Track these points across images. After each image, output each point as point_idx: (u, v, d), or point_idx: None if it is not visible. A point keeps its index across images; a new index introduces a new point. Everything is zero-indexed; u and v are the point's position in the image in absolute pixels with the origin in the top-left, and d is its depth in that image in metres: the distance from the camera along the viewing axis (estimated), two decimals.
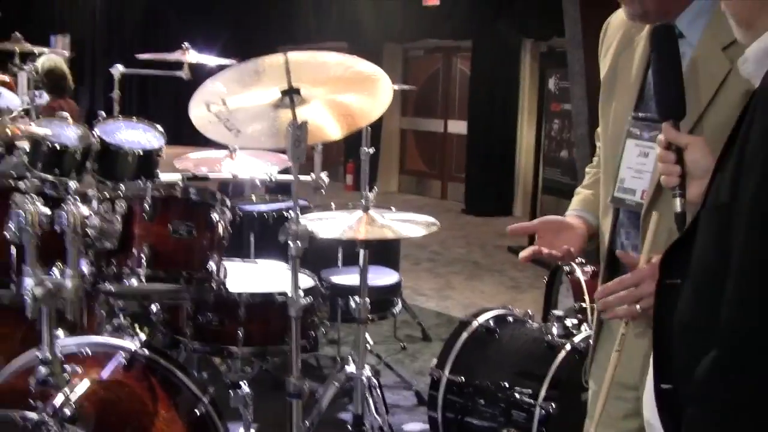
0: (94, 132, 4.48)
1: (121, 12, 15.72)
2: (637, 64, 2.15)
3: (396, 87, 3.56)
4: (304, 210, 5.14)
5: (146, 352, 2.90)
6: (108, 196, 2.82)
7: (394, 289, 4.57)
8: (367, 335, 3.70)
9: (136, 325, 3.32)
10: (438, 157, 13.57)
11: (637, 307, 1.86)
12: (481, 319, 3.80)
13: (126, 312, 3.30)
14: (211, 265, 3.04)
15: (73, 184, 2.66)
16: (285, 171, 4.88)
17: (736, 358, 1.21)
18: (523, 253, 2.23)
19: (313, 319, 3.37)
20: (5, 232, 2.50)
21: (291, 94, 2.64)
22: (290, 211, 2.64)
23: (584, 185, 2.48)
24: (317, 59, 2.67)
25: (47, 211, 2.47)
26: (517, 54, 11.86)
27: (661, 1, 1.98)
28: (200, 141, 3.49)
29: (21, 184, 2.64)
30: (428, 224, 3.18)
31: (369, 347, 3.84)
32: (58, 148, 3.25)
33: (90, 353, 2.85)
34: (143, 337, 3.00)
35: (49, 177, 2.92)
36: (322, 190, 5.46)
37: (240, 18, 14.74)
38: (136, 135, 5.07)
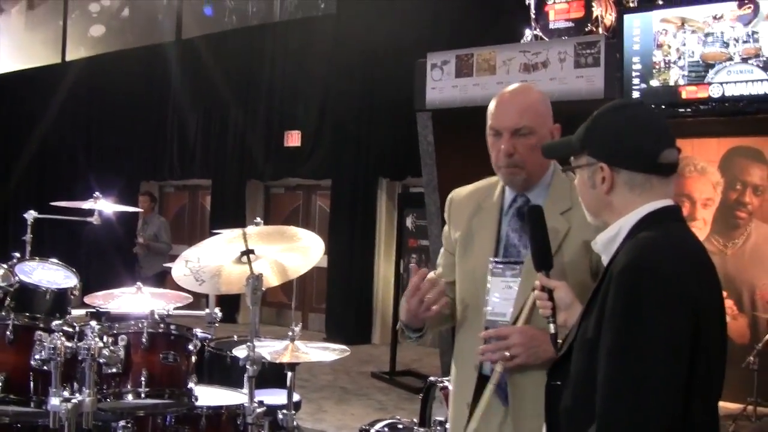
0: (14, 272, 5.20)
1: None
2: (491, 223, 2.92)
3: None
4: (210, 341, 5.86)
5: None
6: (110, 332, 3.51)
7: (296, 408, 5.32)
8: None
9: None
10: (298, 289, 14.19)
11: (507, 353, 2.65)
12: (378, 426, 4.59)
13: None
14: (190, 384, 3.73)
15: (94, 324, 3.35)
16: (178, 308, 5.63)
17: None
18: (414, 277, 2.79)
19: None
20: (31, 362, 3.19)
21: (248, 254, 3.48)
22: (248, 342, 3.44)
23: None
24: (268, 231, 3.53)
25: (70, 344, 3.17)
26: (373, 192, 12.52)
27: (534, 174, 2.84)
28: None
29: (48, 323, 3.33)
30: (341, 350, 4.04)
31: None
32: None
33: None
34: None
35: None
36: (216, 324, 6.23)
37: (104, 155, 15.23)
38: (51, 275, 5.75)
